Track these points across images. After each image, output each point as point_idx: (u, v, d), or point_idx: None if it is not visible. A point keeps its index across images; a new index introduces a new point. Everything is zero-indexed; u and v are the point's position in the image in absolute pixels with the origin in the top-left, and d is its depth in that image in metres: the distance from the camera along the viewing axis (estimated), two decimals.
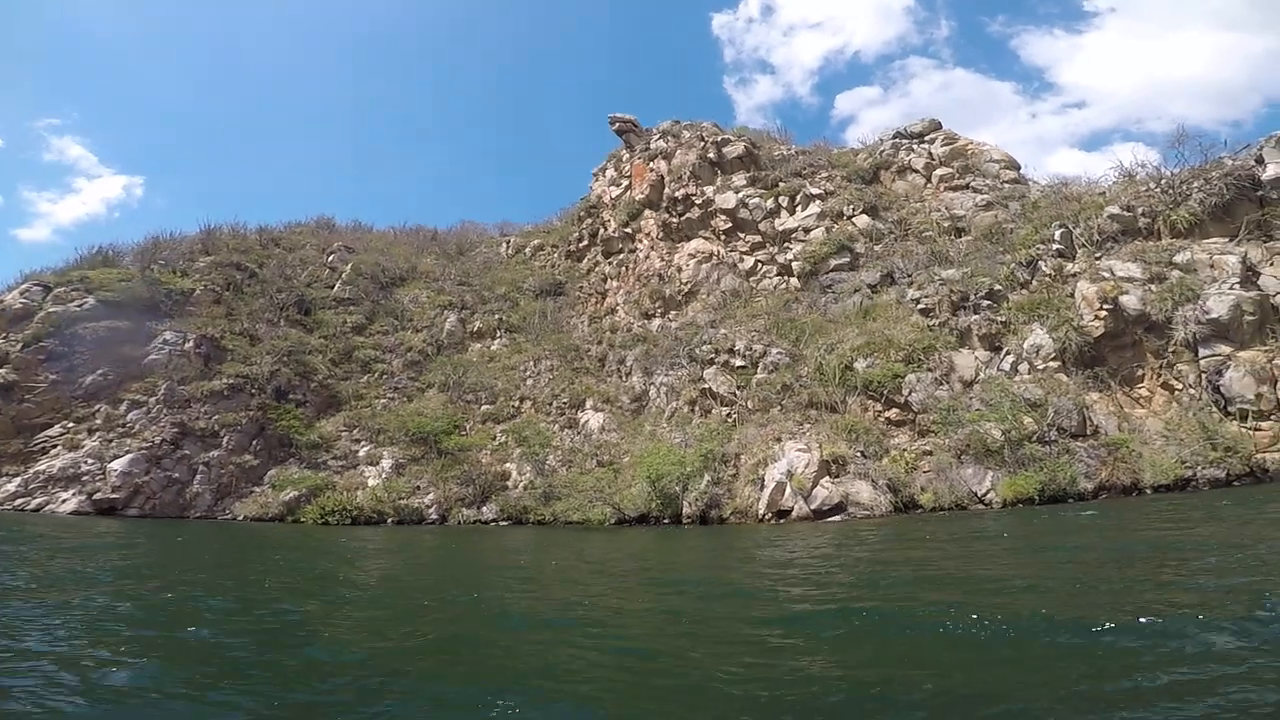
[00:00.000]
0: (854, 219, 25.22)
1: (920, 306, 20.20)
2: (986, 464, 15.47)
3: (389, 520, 20.48)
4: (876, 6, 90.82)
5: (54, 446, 20.47)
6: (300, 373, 24.55)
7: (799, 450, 16.14)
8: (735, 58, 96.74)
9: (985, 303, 19.27)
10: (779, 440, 17.32)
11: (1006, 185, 24.55)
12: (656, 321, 27.11)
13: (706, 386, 21.70)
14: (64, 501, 19.71)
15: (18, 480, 19.96)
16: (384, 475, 22.40)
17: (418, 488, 21.79)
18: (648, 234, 30.10)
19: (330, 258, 30.93)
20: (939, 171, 25.89)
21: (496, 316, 30.12)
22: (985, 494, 15.03)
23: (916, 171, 26.59)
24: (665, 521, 17.75)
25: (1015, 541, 10.54)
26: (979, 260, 20.75)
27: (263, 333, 24.82)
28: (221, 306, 25.24)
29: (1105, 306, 17.02)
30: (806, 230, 25.76)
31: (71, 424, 20.94)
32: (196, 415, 21.91)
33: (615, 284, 30.07)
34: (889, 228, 24.49)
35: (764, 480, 16.13)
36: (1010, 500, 14.39)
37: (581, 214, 34.70)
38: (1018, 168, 25.60)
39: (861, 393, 18.41)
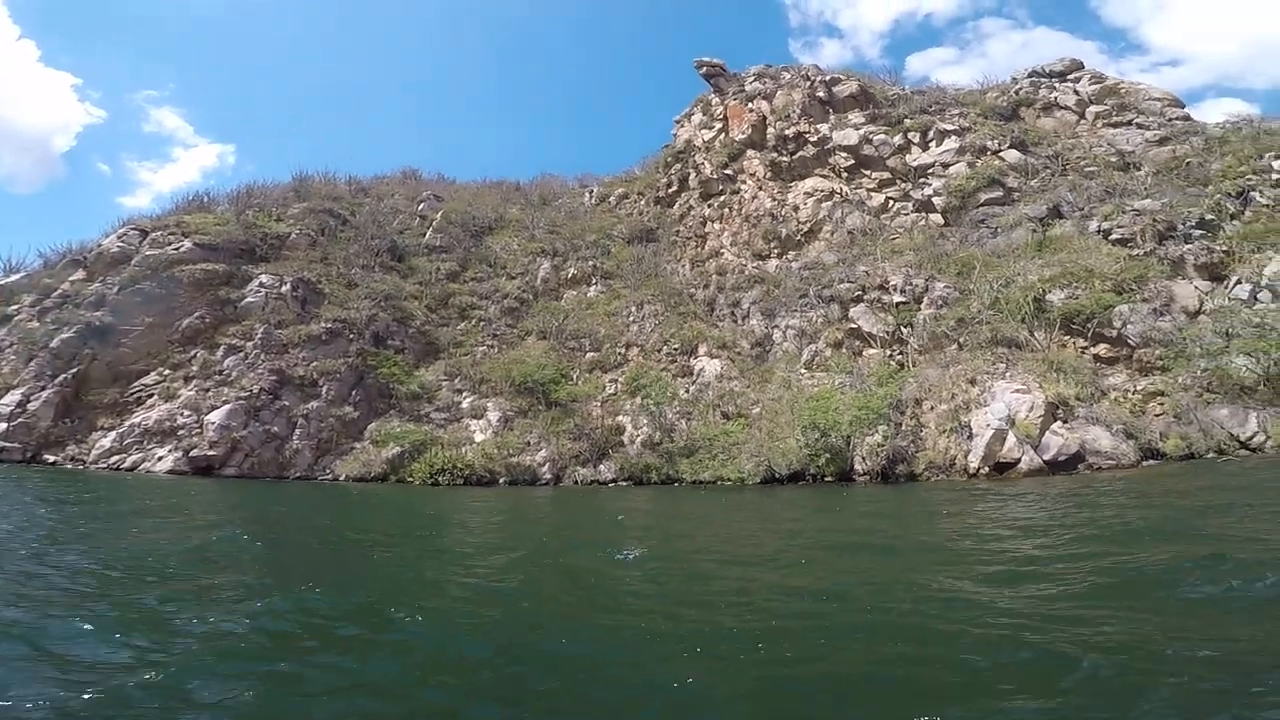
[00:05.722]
0: (1001, 153, 22.95)
1: (1114, 238, 17.63)
2: (1245, 403, 12.99)
3: (501, 480, 18.70)
4: None
5: (150, 396, 19.10)
6: (398, 318, 22.90)
7: (1017, 392, 13.79)
8: (801, 21, 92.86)
9: (1197, 232, 16.65)
10: (973, 382, 14.99)
11: (1176, 122, 22.56)
12: (773, 262, 24.83)
13: (855, 326, 19.37)
14: (160, 460, 18.25)
15: (113, 435, 18.60)
16: (491, 429, 20.70)
17: (528, 443, 19.97)
18: (752, 174, 27.70)
19: (420, 206, 29.39)
20: (1094, 109, 24.09)
21: (590, 263, 28.16)
22: (1250, 437, 12.58)
23: (1066, 108, 24.67)
24: (828, 479, 15.61)
25: None
26: (1166, 193, 18.45)
27: (358, 277, 23.19)
28: (317, 250, 23.68)
29: None
30: (945, 165, 23.38)
31: (168, 370, 19.53)
32: (295, 362, 20.34)
33: (717, 226, 27.77)
34: (1043, 162, 22.29)
35: (971, 428, 13.84)
36: None
37: (668, 160, 32.48)
38: (1183, 105, 23.69)
39: (1059, 328, 15.94)
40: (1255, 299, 14.92)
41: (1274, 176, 17.24)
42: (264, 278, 21.45)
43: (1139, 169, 20.35)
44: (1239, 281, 15.37)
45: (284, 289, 21.42)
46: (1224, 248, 16.25)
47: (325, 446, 19.86)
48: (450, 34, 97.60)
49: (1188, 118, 22.88)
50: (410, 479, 18.51)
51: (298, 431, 19.58)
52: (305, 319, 21.12)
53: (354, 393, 20.94)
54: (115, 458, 18.30)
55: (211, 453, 18.33)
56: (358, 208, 27.69)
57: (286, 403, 19.81)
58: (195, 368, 19.74)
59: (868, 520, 10.29)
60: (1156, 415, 13.86)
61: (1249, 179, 17.62)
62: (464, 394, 21.97)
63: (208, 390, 19.47)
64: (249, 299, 20.89)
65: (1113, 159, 21.32)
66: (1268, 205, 16.89)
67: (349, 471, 19.01)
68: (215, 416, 18.77)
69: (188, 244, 21.66)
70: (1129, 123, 22.64)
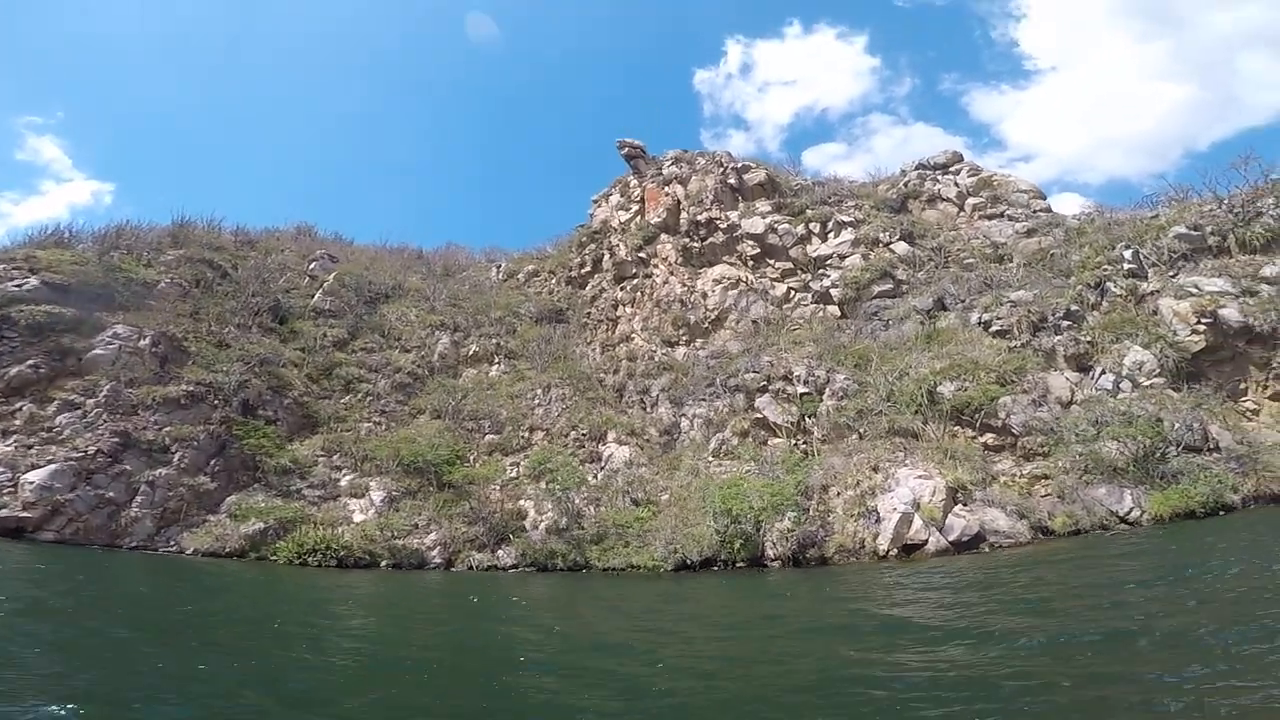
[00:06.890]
0: (892, 245, 24.28)
1: (994, 329, 19.06)
2: (1119, 482, 13.86)
3: (383, 563, 16.98)
4: (846, 64, 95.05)
5: None
6: (273, 386, 20.74)
7: (919, 477, 14.06)
8: (713, 112, 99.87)
9: (1065, 323, 18.29)
10: (876, 469, 15.20)
11: (1041, 214, 24.39)
12: (681, 350, 24.94)
13: (761, 416, 19.44)
14: None
15: None
16: (373, 509, 18.80)
17: (416, 525, 18.27)
18: (664, 259, 28.33)
19: (311, 265, 27.42)
20: (971, 201, 25.69)
21: (494, 341, 27.22)
22: (1128, 513, 13.36)
23: (948, 200, 26.23)
24: (739, 565, 15.15)
25: None
26: (1036, 284, 20.05)
27: (232, 338, 20.96)
28: (188, 304, 21.27)
29: (1204, 321, 16.27)
30: (842, 257, 24.63)
31: None
32: (144, 425, 17.77)
33: (629, 310, 27.90)
34: (928, 254, 23.67)
35: (878, 512, 13.86)
36: (1166, 517, 12.80)
37: (583, 240, 32.72)
38: (1044, 197, 25.69)
39: (950, 418, 16.68)
40: (1118, 388, 16.35)
41: (1125, 266, 18.78)
42: (120, 328, 18.93)
43: (1011, 260, 21.98)
44: (1103, 372, 16.82)
45: (142, 343, 18.93)
46: (1088, 338, 17.73)
47: (171, 517, 17.24)
48: (368, 91, 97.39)
49: (1049, 209, 24.70)
50: (274, 558, 16.39)
51: (139, 499, 16.91)
52: (164, 379, 18.66)
53: (213, 462, 18.45)
54: None
55: (25, 514, 15.45)
56: (241, 261, 25.50)
57: (129, 467, 17.13)
58: (18, 422, 16.79)
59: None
60: (1043, 496, 14.49)
61: (1104, 269, 19.06)
62: (343, 471, 19.97)
63: (30, 447, 16.52)
64: (98, 350, 18.27)
65: (988, 250, 22.91)
66: (1121, 295, 18.29)
67: (199, 545, 16.53)
68: (35, 476, 15.91)
69: (34, 281, 18.94)
70: (1001, 214, 24.39)
